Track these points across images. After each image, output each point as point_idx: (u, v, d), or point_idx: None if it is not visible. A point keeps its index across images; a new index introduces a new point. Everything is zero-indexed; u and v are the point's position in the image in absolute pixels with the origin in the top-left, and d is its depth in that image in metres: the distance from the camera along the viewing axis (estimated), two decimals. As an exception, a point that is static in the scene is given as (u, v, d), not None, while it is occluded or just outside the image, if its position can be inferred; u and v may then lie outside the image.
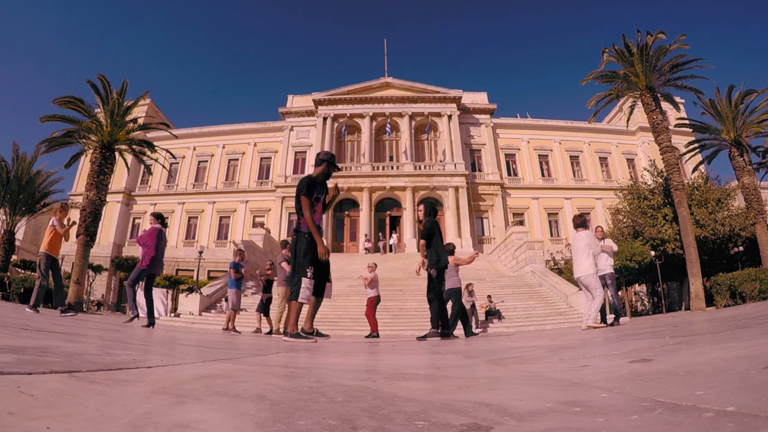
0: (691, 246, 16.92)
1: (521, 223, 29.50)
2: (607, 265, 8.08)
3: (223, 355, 2.49)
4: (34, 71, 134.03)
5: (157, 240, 7.11)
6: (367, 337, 8.78)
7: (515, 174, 33.77)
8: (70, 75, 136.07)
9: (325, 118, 33.01)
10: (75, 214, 17.23)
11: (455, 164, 30.81)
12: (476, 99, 35.14)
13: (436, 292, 6.32)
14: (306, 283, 4.35)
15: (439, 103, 33.12)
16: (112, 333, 3.98)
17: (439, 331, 6.23)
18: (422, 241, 6.48)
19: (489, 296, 14.53)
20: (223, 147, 35.49)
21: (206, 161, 35.37)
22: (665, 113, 21.46)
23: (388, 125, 32.04)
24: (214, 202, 33.78)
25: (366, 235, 29.25)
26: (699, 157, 23.05)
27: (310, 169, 31.22)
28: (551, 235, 31.74)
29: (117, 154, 18.94)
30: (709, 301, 17.34)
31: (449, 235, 28.02)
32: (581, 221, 7.19)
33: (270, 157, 34.77)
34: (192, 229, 33.63)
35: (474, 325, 12.57)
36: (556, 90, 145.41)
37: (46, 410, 0.71)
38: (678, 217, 17.95)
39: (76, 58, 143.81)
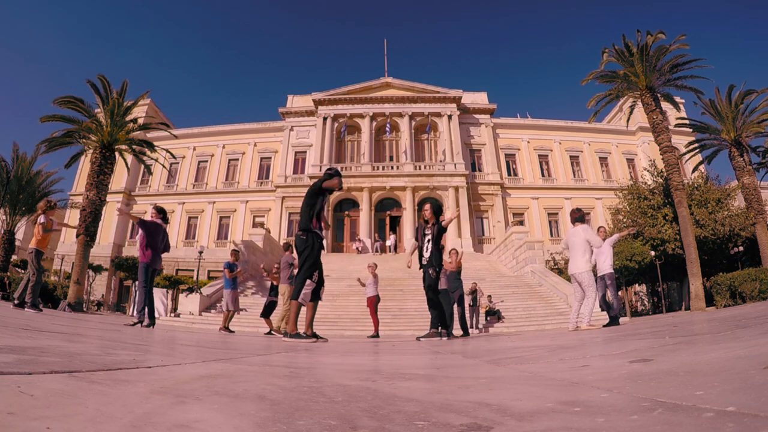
0: (691, 246, 16.92)
1: (521, 223, 29.51)
2: (607, 265, 7.72)
3: (223, 355, 2.49)
4: (34, 71, 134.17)
5: (154, 231, 6.90)
6: (370, 337, 8.80)
7: (515, 174, 33.76)
8: (70, 75, 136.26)
9: (325, 118, 33.00)
10: (75, 214, 17.21)
11: (455, 164, 30.79)
12: (476, 99, 35.13)
13: (443, 293, 6.42)
14: (309, 285, 4.52)
15: (439, 103, 33.10)
16: (112, 333, 3.98)
17: (439, 331, 6.25)
18: (414, 242, 6.69)
19: (489, 296, 14.54)
20: (223, 147, 35.49)
21: (206, 161, 35.37)
22: (665, 113, 21.46)
23: (388, 125, 32.03)
24: (214, 202, 33.79)
25: (358, 238, 29.07)
26: (699, 157, 23.05)
27: (310, 170, 31.27)
28: (551, 235, 31.73)
29: (117, 154, 18.97)
30: (709, 301, 17.34)
31: (449, 235, 27.96)
32: (579, 215, 6.86)
33: (270, 157, 34.76)
34: (192, 229, 33.64)
35: (474, 326, 12.58)
36: (556, 90, 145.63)
37: (46, 410, 0.71)
38: (678, 217, 17.96)
39: (76, 58, 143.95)
